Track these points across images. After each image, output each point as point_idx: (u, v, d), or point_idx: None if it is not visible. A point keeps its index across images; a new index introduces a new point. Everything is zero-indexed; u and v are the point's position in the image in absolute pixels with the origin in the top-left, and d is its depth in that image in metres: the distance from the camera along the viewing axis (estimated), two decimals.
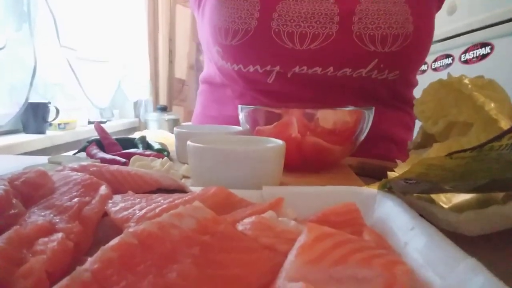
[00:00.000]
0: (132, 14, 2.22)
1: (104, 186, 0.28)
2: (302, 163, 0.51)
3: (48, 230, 0.21)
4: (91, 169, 0.31)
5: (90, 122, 1.85)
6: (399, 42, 0.63)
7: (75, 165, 0.32)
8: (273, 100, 0.71)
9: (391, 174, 0.41)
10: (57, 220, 0.23)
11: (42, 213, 0.23)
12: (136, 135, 0.96)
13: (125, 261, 0.16)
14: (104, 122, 1.98)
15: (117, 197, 0.27)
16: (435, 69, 1.64)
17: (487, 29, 1.34)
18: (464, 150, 0.23)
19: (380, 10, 0.63)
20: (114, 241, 0.17)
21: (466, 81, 0.41)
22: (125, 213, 0.24)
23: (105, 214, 0.26)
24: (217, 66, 0.75)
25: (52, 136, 1.45)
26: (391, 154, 0.71)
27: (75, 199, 0.25)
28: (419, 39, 0.64)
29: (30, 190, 0.26)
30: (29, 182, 0.26)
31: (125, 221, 0.24)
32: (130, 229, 0.19)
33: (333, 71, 0.66)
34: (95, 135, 0.61)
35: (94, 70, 1.88)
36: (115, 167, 0.32)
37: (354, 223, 0.29)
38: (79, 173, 0.29)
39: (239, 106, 0.56)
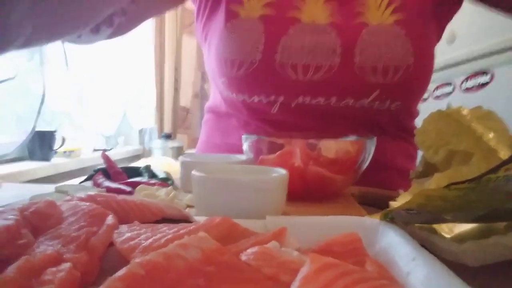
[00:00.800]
0: (140, 45, 2.28)
1: (111, 216, 0.28)
2: (304, 192, 0.51)
3: (56, 259, 0.22)
4: (98, 199, 0.31)
5: (95, 150, 1.87)
6: (400, 73, 0.64)
7: (82, 195, 0.32)
8: (277, 130, 0.72)
9: (393, 204, 0.41)
10: (64, 250, 0.23)
11: (50, 243, 0.24)
12: (141, 162, 0.96)
13: None
14: (109, 150, 2.00)
15: (123, 227, 0.28)
16: (436, 97, 1.66)
17: (487, 58, 1.37)
18: (462, 182, 0.23)
19: (381, 42, 0.65)
20: (121, 272, 0.18)
21: (465, 112, 0.42)
22: (131, 243, 0.25)
23: (112, 243, 0.26)
24: (222, 96, 0.76)
25: (57, 163, 1.47)
26: (394, 183, 0.71)
27: (83, 229, 0.25)
28: (420, 70, 0.66)
29: (39, 220, 0.26)
30: (38, 212, 0.27)
31: (131, 251, 0.24)
32: (137, 260, 0.19)
33: (336, 102, 0.67)
34: (100, 162, 0.62)
35: (101, 99, 1.92)
36: (121, 197, 0.33)
37: (357, 253, 0.29)
38: (87, 203, 0.29)
39: (243, 135, 0.57)
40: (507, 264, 0.27)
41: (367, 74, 0.65)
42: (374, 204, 0.52)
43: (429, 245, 0.29)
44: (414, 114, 0.78)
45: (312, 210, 0.47)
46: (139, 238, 0.26)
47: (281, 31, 0.68)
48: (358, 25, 0.67)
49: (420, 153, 0.77)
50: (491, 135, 0.38)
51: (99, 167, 0.60)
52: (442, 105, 0.43)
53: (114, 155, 1.94)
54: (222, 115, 0.82)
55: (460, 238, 0.34)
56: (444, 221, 0.34)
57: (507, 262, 0.27)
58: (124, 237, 0.26)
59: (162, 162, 1.52)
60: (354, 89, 0.66)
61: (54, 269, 0.20)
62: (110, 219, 0.28)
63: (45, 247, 0.23)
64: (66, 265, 0.21)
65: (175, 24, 2.62)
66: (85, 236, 0.25)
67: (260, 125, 0.74)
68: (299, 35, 0.67)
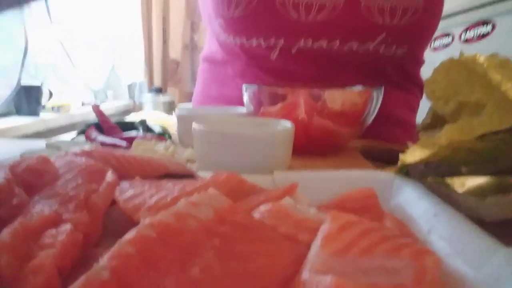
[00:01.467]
0: None
1: (110, 172, 0.26)
2: (308, 146, 0.49)
3: (55, 220, 0.20)
4: (95, 154, 0.29)
5: (84, 104, 1.82)
6: (408, 15, 0.60)
7: (77, 150, 0.30)
8: (275, 78, 0.69)
9: (403, 157, 0.40)
10: (63, 210, 0.21)
11: (47, 202, 0.22)
12: (132, 117, 0.94)
13: (145, 256, 0.15)
14: (98, 105, 1.95)
15: (124, 184, 0.26)
16: (434, 49, 1.62)
17: (489, 7, 1.32)
18: (497, 132, 0.21)
19: None
20: (130, 234, 0.16)
21: (481, 59, 0.39)
22: (135, 201, 0.23)
23: (113, 201, 0.24)
24: (219, 41, 0.72)
25: (47, 119, 1.43)
26: (395, 135, 0.70)
27: (81, 187, 0.23)
28: (428, 13, 0.62)
29: (32, 177, 0.24)
30: (30, 169, 0.25)
31: (136, 210, 0.22)
32: (146, 221, 0.17)
33: (339, 45, 0.63)
34: (91, 117, 0.59)
35: (87, 52, 1.84)
36: (119, 151, 0.31)
37: (372, 209, 0.28)
38: (83, 159, 0.27)
39: (244, 85, 0.54)
40: None
41: (373, 15, 0.61)
42: (379, 158, 0.51)
43: (446, 199, 0.28)
44: (420, 61, 0.74)
45: (317, 164, 0.45)
46: (143, 196, 0.24)
47: None
48: None
49: (422, 106, 0.76)
50: (509, 84, 0.36)
51: (92, 121, 0.57)
52: (440, 57, 0.41)
53: (103, 110, 1.89)
54: (218, 64, 0.78)
55: (475, 192, 0.33)
56: (460, 174, 0.32)
57: None
58: (127, 195, 0.24)
59: (154, 117, 1.49)
60: (359, 31, 0.62)
61: (54, 231, 0.19)
62: (110, 176, 0.26)
63: (41, 207, 0.21)
64: (67, 227, 0.19)
65: None
66: (85, 194, 0.23)
67: (258, 73, 0.71)
68: None
